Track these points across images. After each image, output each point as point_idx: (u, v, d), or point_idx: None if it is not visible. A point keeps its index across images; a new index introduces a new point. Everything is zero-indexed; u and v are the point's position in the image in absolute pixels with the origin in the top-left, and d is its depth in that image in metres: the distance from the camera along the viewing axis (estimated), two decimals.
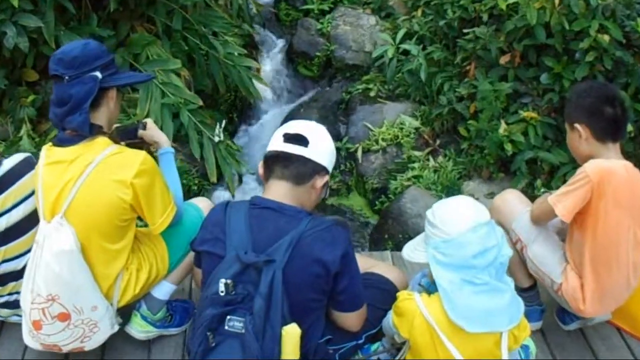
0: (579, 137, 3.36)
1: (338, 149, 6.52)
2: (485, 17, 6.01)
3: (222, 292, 2.69)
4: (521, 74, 5.84)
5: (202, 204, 3.71)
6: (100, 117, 3.14)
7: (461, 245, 2.75)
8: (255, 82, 6.66)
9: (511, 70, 5.86)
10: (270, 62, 7.73)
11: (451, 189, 5.87)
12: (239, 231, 2.81)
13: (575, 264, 3.42)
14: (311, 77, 7.66)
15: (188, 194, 5.84)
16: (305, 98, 7.41)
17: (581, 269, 3.38)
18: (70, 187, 3.01)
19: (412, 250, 3.00)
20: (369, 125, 6.57)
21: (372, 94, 6.89)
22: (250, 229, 2.80)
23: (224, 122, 6.06)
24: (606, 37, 5.26)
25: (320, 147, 2.96)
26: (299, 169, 2.90)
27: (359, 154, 6.43)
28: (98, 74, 3.05)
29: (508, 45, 5.88)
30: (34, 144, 5.38)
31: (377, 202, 6.19)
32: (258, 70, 6.94)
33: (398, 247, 5.43)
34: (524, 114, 5.63)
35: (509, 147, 5.59)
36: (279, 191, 2.90)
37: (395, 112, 6.61)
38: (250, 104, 7.01)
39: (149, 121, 3.54)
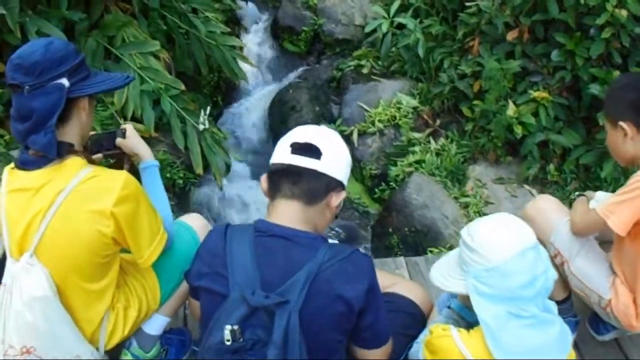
0: (624, 135, 2.93)
1: None
2: None
3: (228, 340, 2.23)
4: (529, 51, 5.43)
5: (196, 223, 3.21)
6: (70, 132, 2.59)
7: (507, 275, 2.31)
8: (239, 62, 6.15)
9: (518, 46, 5.44)
10: (254, 39, 7.29)
11: (456, 174, 5.51)
12: (244, 265, 2.31)
13: (627, 277, 3.05)
14: (298, 54, 7.23)
15: (173, 188, 5.50)
16: (293, 76, 6.96)
17: (635, 283, 3.01)
18: (39, 220, 2.49)
19: (446, 277, 2.52)
20: (364, 106, 6.14)
21: (365, 70, 6.44)
22: (257, 262, 2.31)
23: (208, 108, 5.59)
24: (624, 12, 4.82)
25: (336, 158, 2.45)
26: (311, 186, 2.39)
27: (355, 137, 6.01)
28: (65, 82, 2.49)
29: (514, 19, 5.38)
30: (3, 143, 4.85)
31: (376, 190, 5.79)
32: (241, 48, 6.40)
33: (405, 243, 5.06)
34: (534, 94, 5.23)
35: (518, 130, 5.22)
36: (288, 213, 2.39)
37: (391, 91, 6.17)
38: (234, 85, 6.54)
39: (129, 128, 3.03)
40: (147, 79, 5.53)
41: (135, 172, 2.86)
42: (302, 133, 2.47)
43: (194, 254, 2.50)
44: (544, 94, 5.19)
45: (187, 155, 5.57)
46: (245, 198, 5.88)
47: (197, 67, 6.14)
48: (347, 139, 6.03)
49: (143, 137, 5.25)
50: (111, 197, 2.49)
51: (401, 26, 6.25)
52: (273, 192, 2.43)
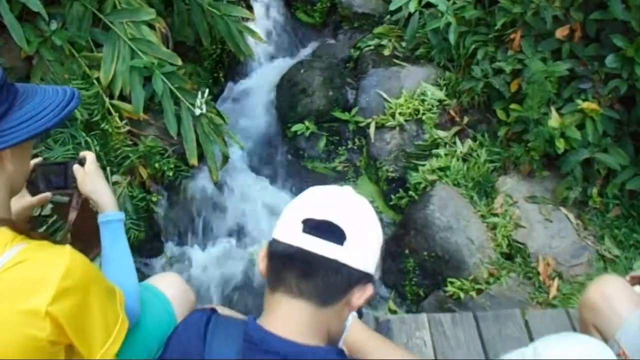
0: None
1: (346, 122, 5.38)
2: None
3: None
4: (578, 51, 4.72)
5: (171, 290, 2.56)
6: None
7: None
8: (246, 35, 5.41)
9: (566, 44, 4.71)
10: (264, 6, 6.45)
11: (484, 186, 4.87)
12: None
13: None
14: (312, 25, 6.48)
15: (162, 179, 4.94)
16: (305, 52, 6.21)
17: None
18: None
19: None
20: (384, 95, 5.43)
21: (386, 52, 5.72)
22: None
23: (207, 91, 4.88)
24: None
25: (365, 242, 1.69)
26: (328, 282, 1.64)
27: (372, 131, 5.33)
28: None
29: (564, 12, 4.65)
30: None
31: (393, 197, 5.13)
32: (250, 20, 5.65)
33: (422, 269, 4.54)
34: (582, 104, 4.52)
35: (561, 145, 4.54)
36: (293, 318, 1.65)
37: (415, 79, 5.47)
38: (239, 59, 5.70)
39: (89, 157, 2.35)
40: (139, 52, 4.86)
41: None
42: (319, 203, 1.71)
43: (165, 340, 1.80)
44: (594, 105, 4.51)
45: (180, 142, 4.90)
46: (244, 193, 5.20)
47: (198, 37, 5.43)
48: (363, 131, 5.36)
49: (131, 119, 4.71)
50: (46, 292, 1.76)
51: (429, 4, 5.50)
52: (273, 281, 1.69)
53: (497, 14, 5.07)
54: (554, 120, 4.53)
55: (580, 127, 4.56)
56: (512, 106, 4.78)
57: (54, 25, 4.65)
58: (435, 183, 4.83)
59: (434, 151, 5.09)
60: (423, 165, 5.03)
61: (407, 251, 4.62)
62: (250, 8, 6.14)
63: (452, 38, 5.18)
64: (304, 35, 6.44)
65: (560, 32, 4.66)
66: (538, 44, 4.82)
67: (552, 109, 4.60)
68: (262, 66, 6.11)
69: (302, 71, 5.62)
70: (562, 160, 4.69)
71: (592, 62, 4.65)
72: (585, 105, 4.51)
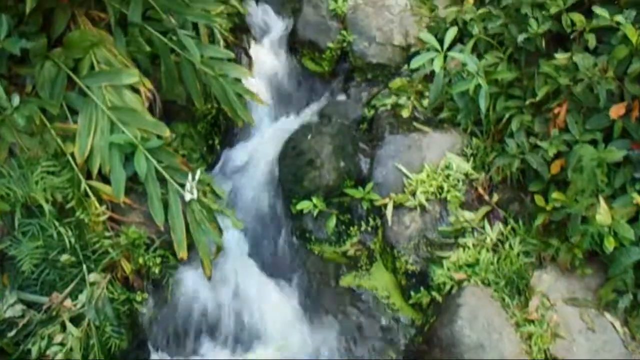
0: None
1: (359, 199, 4.81)
2: (591, 39, 4.30)
3: None
4: (633, 130, 4.20)
5: None
6: None
7: None
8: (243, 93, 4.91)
9: (619, 122, 4.17)
10: (266, 52, 5.91)
11: (516, 283, 4.39)
12: None
13: None
14: (320, 75, 5.89)
15: (147, 277, 4.47)
16: (312, 110, 5.60)
17: None
18: None
19: None
20: (403, 169, 4.86)
21: (404, 113, 5.17)
22: None
23: (198, 172, 4.36)
24: None
25: None
26: None
27: (389, 212, 4.77)
28: None
29: (618, 84, 4.11)
30: None
31: (412, 294, 4.62)
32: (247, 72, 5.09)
33: None
34: (637, 197, 4.00)
35: (610, 245, 4.04)
36: None
37: (439, 148, 4.95)
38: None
39: None
40: (120, 123, 4.32)
41: None
42: None
43: None
44: None
45: (168, 229, 4.39)
46: (241, 288, 4.62)
47: (191, 95, 4.87)
48: (378, 210, 4.81)
49: (111, 202, 4.21)
50: None
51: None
52: None
53: (536, 79, 4.55)
54: (603, 216, 4.04)
55: (633, 220, 4.09)
56: (554, 195, 4.30)
57: (16, 100, 4.09)
58: (462, 284, 4.36)
59: (460, 240, 4.60)
60: (447, 257, 4.52)
61: None
62: (249, 56, 5.57)
63: (482, 104, 4.62)
64: (311, 87, 5.87)
65: (616, 112, 4.16)
66: (586, 120, 4.31)
67: (601, 199, 4.10)
68: (263, 127, 5.53)
69: (309, 137, 5.04)
70: (610, 259, 4.18)
71: None
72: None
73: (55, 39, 4.55)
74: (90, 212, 4.22)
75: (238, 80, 4.85)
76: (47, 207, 4.08)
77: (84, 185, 4.28)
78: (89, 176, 4.33)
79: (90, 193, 4.28)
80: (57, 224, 4.14)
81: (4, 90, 4.19)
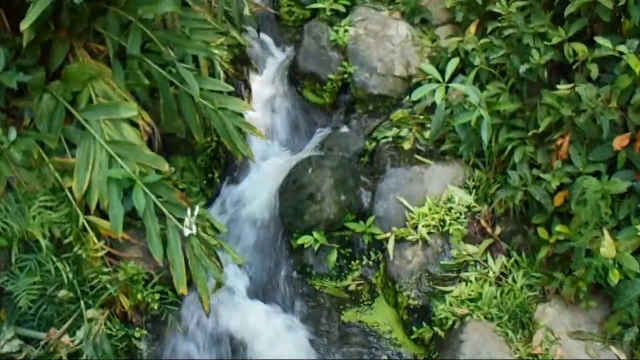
0: None
1: (360, 233, 4.79)
2: (593, 69, 4.31)
3: None
4: (637, 161, 4.20)
5: None
6: None
7: None
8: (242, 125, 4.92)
9: (622, 153, 4.18)
10: (266, 83, 5.92)
11: (520, 317, 4.40)
12: None
13: None
14: (321, 106, 5.87)
15: (145, 314, 4.42)
16: (313, 143, 5.58)
17: None
18: None
19: None
20: (404, 202, 4.85)
21: (406, 145, 5.18)
22: None
23: (197, 207, 4.33)
24: None
25: None
26: None
27: (391, 246, 4.76)
28: None
29: (621, 114, 4.12)
30: None
31: (415, 329, 4.60)
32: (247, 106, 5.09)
33: None
34: None
35: (615, 277, 4.05)
36: None
37: (440, 180, 4.96)
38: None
39: None
40: (118, 157, 4.31)
41: None
42: None
43: None
44: None
45: (167, 264, 4.36)
46: (242, 323, 4.58)
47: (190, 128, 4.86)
48: (379, 244, 4.79)
49: (109, 237, 4.20)
50: None
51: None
52: None
53: (539, 110, 4.56)
54: (607, 249, 4.04)
55: (637, 252, 4.13)
56: (558, 228, 4.32)
57: (13, 134, 4.08)
58: (465, 318, 4.34)
59: (462, 273, 4.60)
60: (450, 292, 4.51)
61: None
62: (249, 88, 5.58)
63: (484, 136, 4.62)
64: (312, 119, 5.87)
65: (619, 142, 4.17)
66: (589, 151, 4.31)
67: (605, 232, 4.11)
68: (263, 160, 5.52)
69: (309, 171, 5.03)
70: (615, 292, 4.19)
71: None
72: None
73: (53, 72, 4.53)
74: (88, 248, 4.21)
75: (238, 114, 4.84)
76: (44, 243, 4.07)
77: (82, 220, 4.25)
78: (87, 211, 4.30)
79: (88, 228, 4.25)
80: (54, 259, 4.12)
81: (2, 123, 4.20)
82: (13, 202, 4.12)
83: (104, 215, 4.33)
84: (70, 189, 4.29)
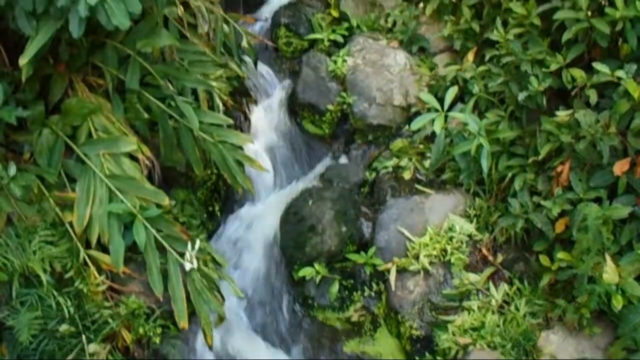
0: None
1: (362, 264, 4.81)
2: (592, 95, 4.35)
3: None
4: (637, 185, 4.22)
5: None
6: None
7: None
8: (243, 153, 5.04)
9: (623, 178, 4.21)
10: (266, 114, 5.95)
11: (523, 345, 4.39)
12: None
13: None
14: (320, 137, 5.90)
15: (147, 348, 4.46)
16: (313, 174, 5.64)
17: None
18: None
19: None
20: (405, 232, 4.87)
21: (406, 175, 5.19)
22: None
23: (197, 241, 4.35)
24: None
25: None
26: None
27: (392, 277, 4.78)
28: None
29: (621, 139, 4.18)
30: None
31: None
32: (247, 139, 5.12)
33: None
34: None
35: (618, 303, 4.06)
36: None
37: (441, 209, 4.98)
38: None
39: None
40: (118, 192, 4.35)
41: None
42: None
43: None
44: None
45: (169, 298, 4.38)
46: (244, 357, 4.60)
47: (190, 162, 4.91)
48: (381, 275, 4.81)
49: (110, 271, 4.23)
50: None
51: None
52: None
53: (538, 137, 4.59)
54: (610, 275, 4.05)
55: None
56: (559, 254, 4.35)
57: (12, 170, 4.12)
58: (468, 348, 4.37)
59: (465, 303, 4.61)
60: (452, 321, 4.53)
61: None
62: (248, 120, 5.62)
63: (484, 164, 4.64)
64: (312, 150, 5.92)
65: (620, 168, 4.19)
66: (589, 177, 4.33)
67: (607, 257, 4.12)
68: (264, 193, 5.56)
69: (310, 203, 5.05)
70: (619, 317, 4.19)
71: None
72: None
73: (52, 106, 4.62)
74: (89, 282, 4.25)
75: (237, 147, 4.87)
76: (45, 277, 4.11)
77: (82, 254, 4.29)
78: (88, 245, 4.35)
79: (89, 262, 4.31)
80: (55, 293, 4.16)
81: (2, 157, 4.24)
82: (13, 236, 4.17)
83: (104, 249, 4.38)
84: (70, 223, 4.35)
